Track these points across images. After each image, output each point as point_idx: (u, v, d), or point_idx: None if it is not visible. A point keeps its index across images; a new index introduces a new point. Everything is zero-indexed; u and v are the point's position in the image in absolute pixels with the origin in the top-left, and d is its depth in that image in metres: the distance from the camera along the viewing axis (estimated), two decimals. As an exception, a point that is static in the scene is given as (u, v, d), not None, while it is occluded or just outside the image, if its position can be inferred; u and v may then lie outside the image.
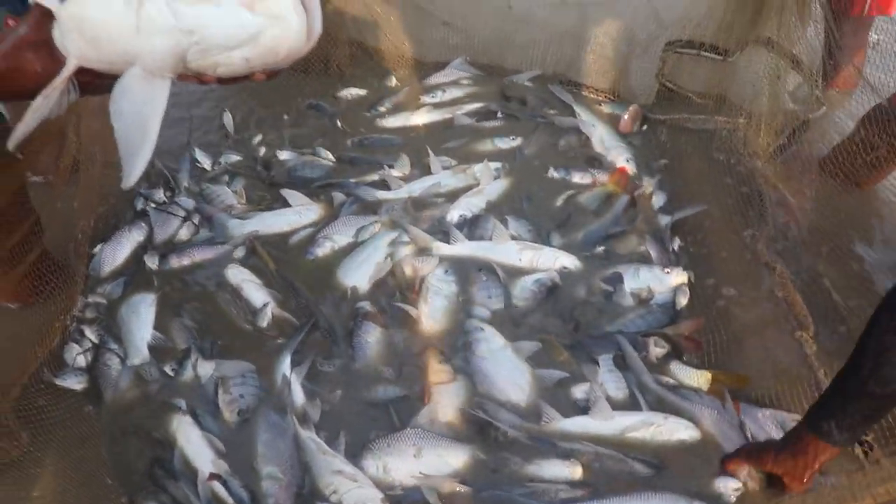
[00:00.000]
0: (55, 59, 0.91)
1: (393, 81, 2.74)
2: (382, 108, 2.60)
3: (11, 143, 0.99)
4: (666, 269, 1.90)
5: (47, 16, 0.89)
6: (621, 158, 2.31)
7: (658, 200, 2.16)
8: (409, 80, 2.72)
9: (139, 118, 0.91)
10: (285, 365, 1.66)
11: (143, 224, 2.08)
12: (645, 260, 1.96)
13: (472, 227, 2.05)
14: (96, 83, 0.93)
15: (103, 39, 0.87)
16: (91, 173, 1.98)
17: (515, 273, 1.91)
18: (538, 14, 2.60)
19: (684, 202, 2.15)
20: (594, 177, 2.24)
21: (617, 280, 1.87)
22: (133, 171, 0.94)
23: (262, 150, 2.40)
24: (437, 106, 2.60)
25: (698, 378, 1.65)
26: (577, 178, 2.24)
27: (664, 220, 2.08)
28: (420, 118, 2.54)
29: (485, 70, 2.77)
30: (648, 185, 2.21)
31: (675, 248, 2.01)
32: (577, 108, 2.53)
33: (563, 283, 1.88)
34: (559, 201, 2.17)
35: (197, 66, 0.86)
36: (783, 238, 1.82)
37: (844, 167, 2.03)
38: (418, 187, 2.20)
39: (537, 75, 2.73)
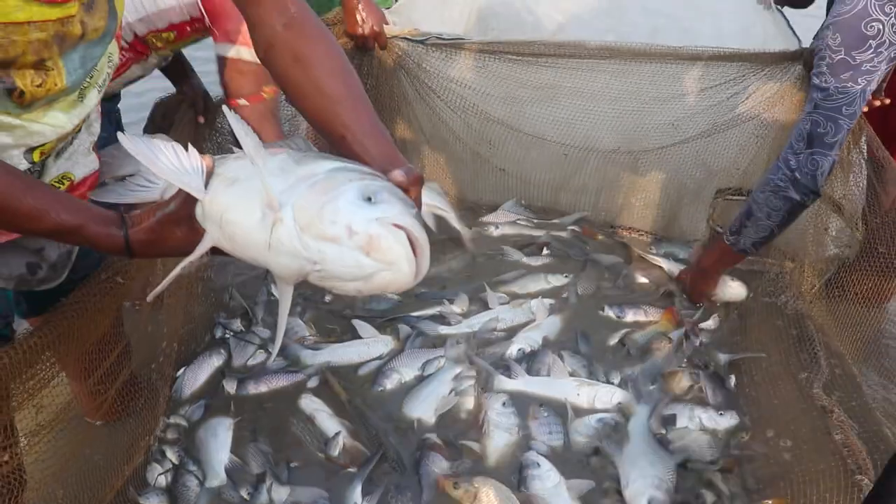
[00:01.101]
0: (195, 231, 1.03)
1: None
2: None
3: (150, 297, 1.16)
4: (720, 412, 1.96)
5: (192, 197, 1.02)
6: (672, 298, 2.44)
7: (709, 340, 2.26)
8: (466, 220, 2.88)
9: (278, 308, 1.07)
10: (356, 494, 1.73)
11: (223, 350, 2.21)
12: (699, 400, 2.03)
13: (529, 362, 2.15)
14: (226, 254, 1.05)
15: (239, 242, 0.98)
16: (175, 301, 2.14)
17: (577, 411, 1.99)
18: (591, 162, 2.77)
19: (735, 343, 2.23)
20: (647, 315, 2.35)
21: (670, 422, 1.94)
22: (274, 350, 1.10)
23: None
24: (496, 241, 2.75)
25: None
26: (631, 316, 2.34)
27: (722, 359, 2.17)
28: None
29: (537, 212, 2.93)
30: (703, 318, 2.32)
31: (732, 386, 2.08)
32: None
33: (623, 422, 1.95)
34: (614, 339, 2.27)
35: (316, 283, 0.97)
36: (834, 382, 1.88)
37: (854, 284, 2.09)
38: (477, 322, 2.32)
39: (583, 217, 2.90)
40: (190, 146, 1.04)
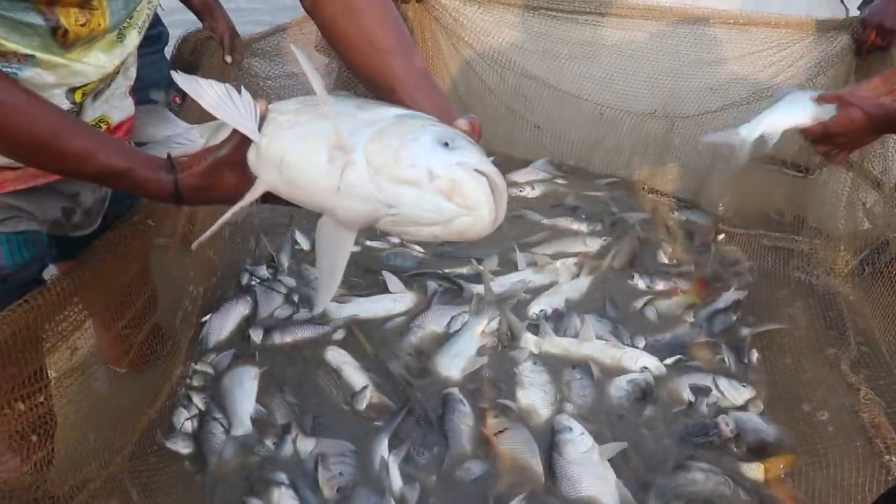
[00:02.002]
0: (247, 178, 1.01)
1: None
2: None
3: (195, 245, 1.13)
4: (743, 383, 1.96)
5: (246, 140, 0.99)
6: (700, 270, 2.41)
7: (737, 313, 2.23)
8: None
9: (329, 258, 1.01)
10: (383, 447, 1.74)
11: (249, 298, 2.21)
12: (724, 371, 2.02)
13: (556, 323, 2.15)
14: (278, 199, 1.02)
15: (300, 185, 0.95)
16: (201, 249, 2.14)
17: (609, 372, 1.99)
18: (626, 122, 2.74)
19: (762, 317, 2.21)
20: (676, 285, 2.33)
21: (704, 392, 1.94)
22: (321, 300, 1.06)
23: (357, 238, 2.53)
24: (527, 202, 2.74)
25: (754, 470, 1.73)
26: (660, 285, 2.33)
27: (744, 332, 2.15)
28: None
29: (570, 171, 2.91)
30: (731, 295, 2.28)
31: (754, 360, 2.07)
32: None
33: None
34: (639, 305, 2.26)
35: (385, 229, 0.94)
36: (865, 361, 1.87)
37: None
38: (507, 282, 2.31)
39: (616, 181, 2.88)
40: (243, 89, 1.01)
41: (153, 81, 2.13)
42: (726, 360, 2.05)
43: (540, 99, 2.79)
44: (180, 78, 1.00)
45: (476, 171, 0.89)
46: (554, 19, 2.56)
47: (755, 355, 2.08)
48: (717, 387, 1.95)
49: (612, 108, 2.71)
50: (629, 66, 2.59)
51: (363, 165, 0.90)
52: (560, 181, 2.86)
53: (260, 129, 0.99)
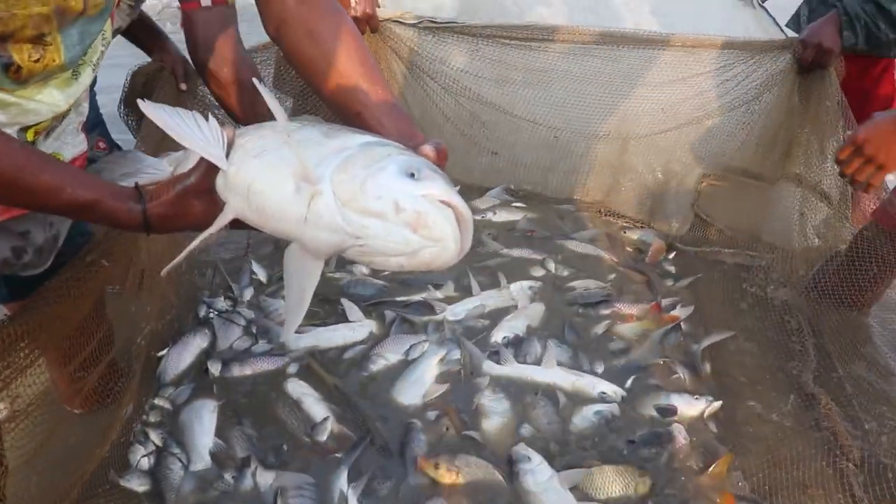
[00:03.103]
0: (215, 205, 1.01)
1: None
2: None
3: (164, 272, 1.14)
4: (696, 396, 1.99)
5: (214, 168, 0.99)
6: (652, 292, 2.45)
7: (688, 329, 2.27)
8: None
9: (297, 285, 1.01)
10: (343, 480, 1.72)
11: (207, 331, 2.19)
12: (679, 389, 2.05)
13: (516, 348, 2.15)
14: (246, 226, 1.02)
15: (267, 213, 0.95)
16: (157, 282, 2.12)
17: (570, 397, 2.00)
18: (580, 144, 2.79)
19: (716, 331, 2.24)
20: (630, 311, 2.36)
21: (671, 412, 1.96)
22: (289, 328, 1.06)
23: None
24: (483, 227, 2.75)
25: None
26: (616, 308, 2.35)
27: (695, 346, 2.19)
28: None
29: (527, 196, 2.95)
30: (680, 314, 2.32)
31: (707, 373, 2.11)
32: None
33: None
34: (599, 329, 2.28)
35: (352, 258, 0.94)
36: (825, 372, 1.90)
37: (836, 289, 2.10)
38: (462, 309, 2.31)
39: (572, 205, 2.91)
40: (210, 116, 1.01)
41: None
42: (682, 376, 2.08)
43: (496, 125, 2.82)
44: (147, 106, 0.99)
45: (441, 201, 0.90)
46: (506, 46, 2.59)
47: (707, 368, 2.12)
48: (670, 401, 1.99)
49: (566, 131, 2.75)
50: (582, 90, 2.63)
51: (330, 196, 0.90)
52: (517, 206, 2.88)
53: (227, 155, 0.99)
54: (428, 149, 1.02)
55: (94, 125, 2.22)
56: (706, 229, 2.58)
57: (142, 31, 2.33)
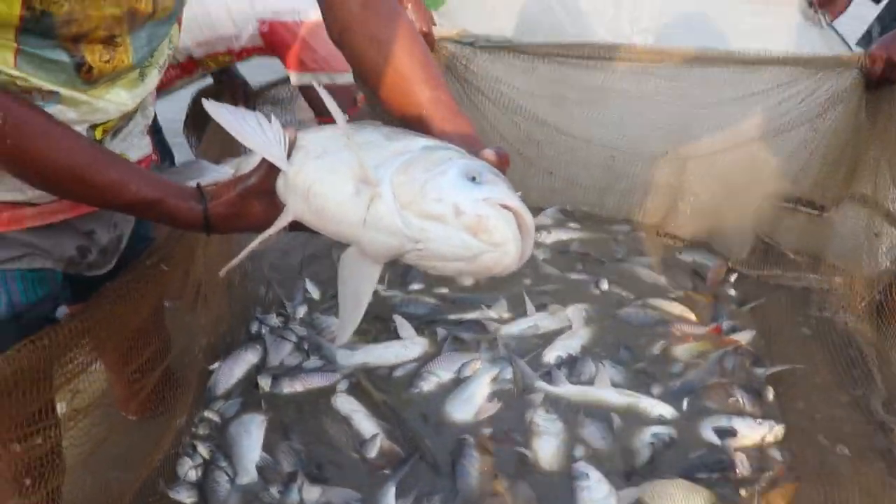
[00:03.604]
0: (275, 206, 1.01)
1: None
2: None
3: (223, 272, 1.15)
4: (758, 420, 1.92)
5: (275, 169, 0.99)
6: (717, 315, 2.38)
7: (751, 354, 2.20)
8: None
9: (353, 290, 1.00)
10: (390, 496, 1.70)
11: (258, 347, 2.19)
12: (739, 412, 1.98)
13: (570, 369, 2.11)
14: (305, 228, 1.02)
15: (327, 216, 0.95)
16: (213, 297, 2.14)
17: (625, 420, 1.95)
18: (638, 165, 2.73)
19: (778, 357, 2.17)
20: (690, 332, 2.29)
21: (729, 434, 1.89)
22: (344, 333, 1.04)
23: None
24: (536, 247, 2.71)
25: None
26: (673, 329, 2.29)
27: (758, 372, 2.12)
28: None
29: (583, 217, 2.91)
30: (742, 338, 2.25)
31: (770, 398, 2.03)
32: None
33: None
34: (655, 350, 2.23)
35: (411, 262, 0.93)
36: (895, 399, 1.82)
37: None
38: (516, 329, 2.28)
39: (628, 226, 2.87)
40: (273, 116, 1.01)
41: None
42: (740, 400, 2.01)
43: (551, 144, 2.78)
44: (211, 106, 1.00)
45: (503, 206, 0.88)
46: (563, 65, 2.56)
47: (770, 394, 2.04)
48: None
49: (623, 151, 2.70)
50: (639, 110, 2.59)
51: (390, 199, 0.89)
52: (571, 226, 2.85)
53: (289, 157, 0.99)
54: (490, 153, 1.01)
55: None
56: (768, 252, 2.50)
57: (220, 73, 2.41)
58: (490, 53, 2.62)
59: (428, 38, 2.60)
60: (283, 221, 1.00)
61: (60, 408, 1.42)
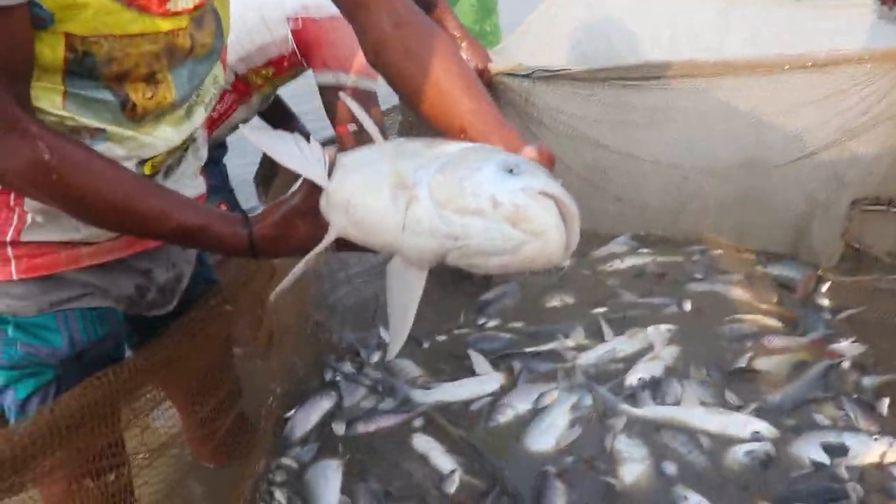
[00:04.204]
0: (320, 226, 1.01)
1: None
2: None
3: (274, 295, 1.18)
4: (874, 436, 1.75)
5: (317, 188, 1.00)
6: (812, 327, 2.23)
7: (854, 363, 2.05)
8: (583, 254, 2.78)
9: (400, 300, 0.98)
10: (473, 530, 1.63)
11: (333, 392, 2.17)
12: (849, 427, 1.83)
13: (654, 390, 2.01)
14: (352, 245, 1.01)
15: (367, 226, 0.94)
16: (284, 343, 2.14)
17: (718, 440, 1.83)
18: (711, 181, 2.64)
19: (886, 366, 2.01)
20: (785, 344, 2.16)
21: (840, 451, 1.75)
22: (394, 347, 1.02)
23: (444, 326, 2.48)
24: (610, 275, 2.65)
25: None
26: (764, 343, 2.16)
27: (867, 382, 1.96)
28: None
29: (656, 241, 2.82)
30: (843, 349, 2.10)
31: (884, 411, 1.86)
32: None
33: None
34: (746, 366, 2.10)
35: (455, 264, 0.91)
36: None
37: None
38: (594, 355, 2.20)
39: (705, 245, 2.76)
40: (312, 137, 1.03)
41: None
42: (851, 414, 1.85)
43: (618, 170, 2.74)
44: (249, 130, 1.03)
45: (542, 194, 0.86)
46: (623, 88, 2.53)
47: (885, 406, 1.87)
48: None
49: (693, 169, 2.63)
50: (706, 125, 2.51)
51: (427, 200, 0.88)
52: (643, 251, 2.76)
53: (330, 176, 0.99)
54: (530, 150, 0.99)
55: (217, 190, 2.35)
56: (860, 258, 2.35)
57: (275, 112, 2.46)
58: (548, 84, 2.62)
59: (484, 75, 2.61)
60: (328, 239, 1.00)
61: (131, 446, 1.43)
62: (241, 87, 2.08)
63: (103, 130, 1.12)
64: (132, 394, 1.38)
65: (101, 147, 1.11)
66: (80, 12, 1.00)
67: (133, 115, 1.14)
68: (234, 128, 2.22)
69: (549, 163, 0.98)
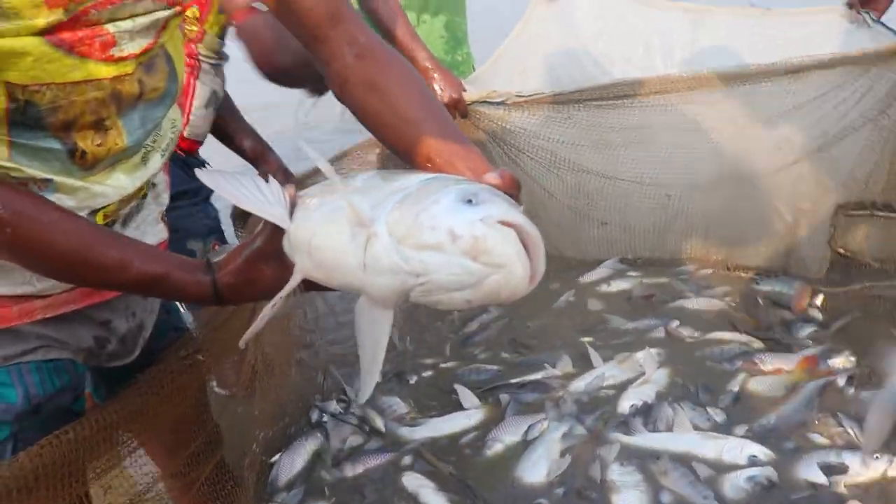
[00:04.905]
0: (285, 267, 0.98)
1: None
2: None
3: (242, 342, 1.11)
4: (875, 455, 1.68)
5: (279, 230, 0.97)
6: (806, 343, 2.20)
7: (853, 377, 1.99)
8: (569, 281, 2.74)
9: (369, 340, 0.95)
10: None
11: (319, 434, 2.12)
12: (849, 445, 1.77)
13: (646, 416, 1.96)
14: (318, 286, 0.98)
15: (330, 266, 0.91)
16: (269, 386, 2.09)
17: (722, 468, 1.77)
18: (694, 198, 2.61)
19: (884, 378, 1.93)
20: (777, 365, 2.11)
21: (839, 470, 1.69)
22: (365, 388, 0.98)
23: (429, 361, 2.45)
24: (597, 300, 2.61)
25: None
26: (756, 363, 2.11)
27: (865, 396, 1.90)
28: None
29: (645, 263, 2.79)
30: (845, 362, 2.05)
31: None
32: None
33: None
34: (734, 386, 2.05)
35: (419, 301, 0.88)
36: None
37: None
38: (583, 383, 2.15)
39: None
40: (271, 177, 1.00)
41: (191, 232, 2.21)
42: (850, 431, 1.80)
43: (602, 193, 2.70)
44: (202, 174, 1.00)
45: (501, 223, 0.82)
46: (599, 108, 2.51)
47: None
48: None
49: (676, 187, 2.59)
50: (687, 141, 2.49)
51: (385, 236, 0.85)
52: (631, 274, 2.73)
53: (292, 216, 0.96)
54: (492, 177, 0.96)
55: (211, 231, 2.33)
56: (849, 265, 2.30)
57: (245, 142, 2.45)
58: (523, 110, 2.60)
59: (460, 104, 2.59)
60: (293, 282, 0.97)
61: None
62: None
63: (51, 181, 1.08)
64: (94, 450, 1.32)
65: (51, 198, 1.08)
66: (20, 60, 0.97)
67: (83, 163, 1.11)
68: (209, 117, 2.20)
69: (513, 188, 0.95)
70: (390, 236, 0.84)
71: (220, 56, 2.23)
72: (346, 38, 1.18)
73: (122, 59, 1.08)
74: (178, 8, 1.16)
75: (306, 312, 2.51)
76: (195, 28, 2.08)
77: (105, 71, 1.06)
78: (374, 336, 0.94)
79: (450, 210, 0.83)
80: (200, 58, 2.13)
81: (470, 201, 0.84)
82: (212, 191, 2.33)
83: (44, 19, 0.96)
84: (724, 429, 1.89)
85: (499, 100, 2.59)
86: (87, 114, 1.07)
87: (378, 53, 1.19)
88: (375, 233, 0.85)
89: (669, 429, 1.89)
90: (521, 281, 0.83)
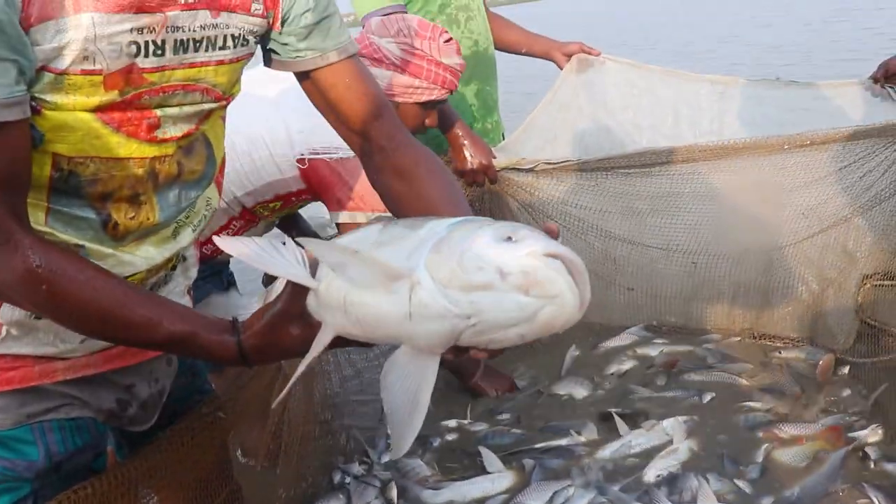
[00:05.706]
0: (311, 327, 0.99)
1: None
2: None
3: (274, 404, 1.14)
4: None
5: (300, 289, 0.98)
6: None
7: (879, 448, 1.95)
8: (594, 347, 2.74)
9: (409, 393, 0.93)
10: None
11: (341, 496, 2.10)
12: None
13: (670, 486, 1.92)
14: (347, 342, 0.99)
15: (370, 322, 0.91)
16: (292, 449, 2.09)
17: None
18: (721, 266, 2.61)
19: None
20: (800, 433, 2.08)
21: None
22: (402, 443, 0.95)
23: (453, 423, 2.44)
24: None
25: None
26: (780, 433, 2.08)
27: (891, 467, 1.87)
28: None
29: (670, 330, 2.78)
30: (872, 433, 2.00)
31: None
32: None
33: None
34: (758, 457, 2.02)
35: (469, 342, 0.88)
36: None
37: None
38: (609, 451, 2.13)
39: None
40: (287, 238, 1.01)
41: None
42: (875, 501, 1.76)
43: (628, 259, 2.72)
44: (221, 241, 1.01)
45: (548, 255, 0.84)
46: (627, 176, 2.54)
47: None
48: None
49: (703, 254, 2.59)
50: (714, 209, 2.50)
51: (429, 283, 0.85)
52: (658, 342, 2.70)
53: (314, 274, 0.97)
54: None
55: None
56: (877, 335, 2.27)
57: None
58: (552, 176, 2.63)
59: (489, 171, 2.64)
60: (324, 340, 0.97)
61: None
62: (247, 216, 2.13)
63: (83, 247, 1.13)
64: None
65: None
66: (70, 134, 1.04)
67: (115, 233, 1.16)
68: None
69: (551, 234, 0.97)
70: (434, 281, 0.85)
71: (272, 227, 2.37)
72: (384, 135, 1.30)
73: (164, 140, 1.15)
74: (224, 102, 1.24)
75: (331, 375, 2.53)
76: (267, 213, 2.22)
77: (147, 150, 1.13)
78: (417, 387, 0.92)
79: (492, 248, 0.85)
80: (259, 224, 2.24)
81: (510, 238, 0.85)
82: (223, 265, 2.39)
83: (99, 98, 1.04)
84: (750, 500, 1.85)
85: (528, 166, 2.63)
86: (124, 188, 1.14)
87: (411, 148, 1.32)
88: (418, 280, 0.85)
89: (694, 500, 1.85)
90: (574, 309, 0.84)
